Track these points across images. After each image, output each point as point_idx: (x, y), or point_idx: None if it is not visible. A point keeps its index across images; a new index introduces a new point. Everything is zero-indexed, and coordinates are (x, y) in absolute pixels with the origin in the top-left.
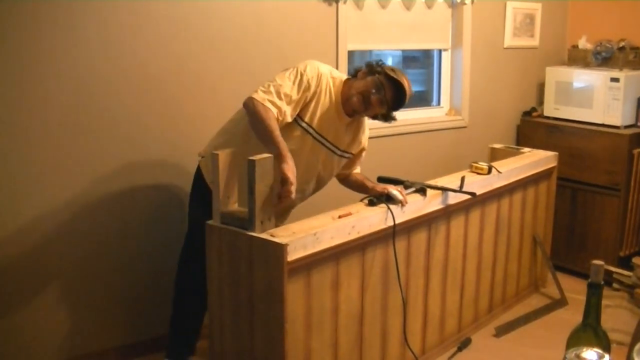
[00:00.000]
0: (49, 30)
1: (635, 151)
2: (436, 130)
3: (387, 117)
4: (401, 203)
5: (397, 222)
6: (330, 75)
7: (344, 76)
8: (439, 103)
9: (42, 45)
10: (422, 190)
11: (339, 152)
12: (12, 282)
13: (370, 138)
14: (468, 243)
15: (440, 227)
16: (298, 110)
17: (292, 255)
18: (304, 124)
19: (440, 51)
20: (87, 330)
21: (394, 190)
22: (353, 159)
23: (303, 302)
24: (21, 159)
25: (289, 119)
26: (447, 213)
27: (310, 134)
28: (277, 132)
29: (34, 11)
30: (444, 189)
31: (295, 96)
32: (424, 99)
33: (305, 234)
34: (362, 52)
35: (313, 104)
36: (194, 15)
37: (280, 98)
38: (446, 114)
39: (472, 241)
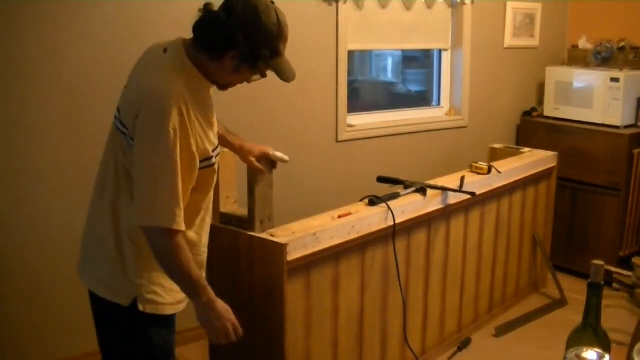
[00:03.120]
0: (50, 30)
1: (635, 151)
2: (436, 130)
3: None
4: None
5: (397, 222)
6: (181, 89)
7: (183, 58)
8: (439, 103)
9: (42, 45)
10: (422, 190)
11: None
12: (11, 282)
13: (369, 138)
14: (468, 243)
15: (440, 227)
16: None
17: (292, 255)
18: (213, 160)
19: (440, 51)
20: (88, 329)
21: (277, 153)
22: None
23: (303, 302)
24: (21, 160)
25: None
26: (447, 213)
27: (215, 161)
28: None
29: (35, 11)
30: (444, 189)
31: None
32: (424, 99)
33: (305, 234)
34: (362, 52)
35: (194, 138)
36: (193, 16)
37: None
38: (446, 114)
39: (472, 241)
